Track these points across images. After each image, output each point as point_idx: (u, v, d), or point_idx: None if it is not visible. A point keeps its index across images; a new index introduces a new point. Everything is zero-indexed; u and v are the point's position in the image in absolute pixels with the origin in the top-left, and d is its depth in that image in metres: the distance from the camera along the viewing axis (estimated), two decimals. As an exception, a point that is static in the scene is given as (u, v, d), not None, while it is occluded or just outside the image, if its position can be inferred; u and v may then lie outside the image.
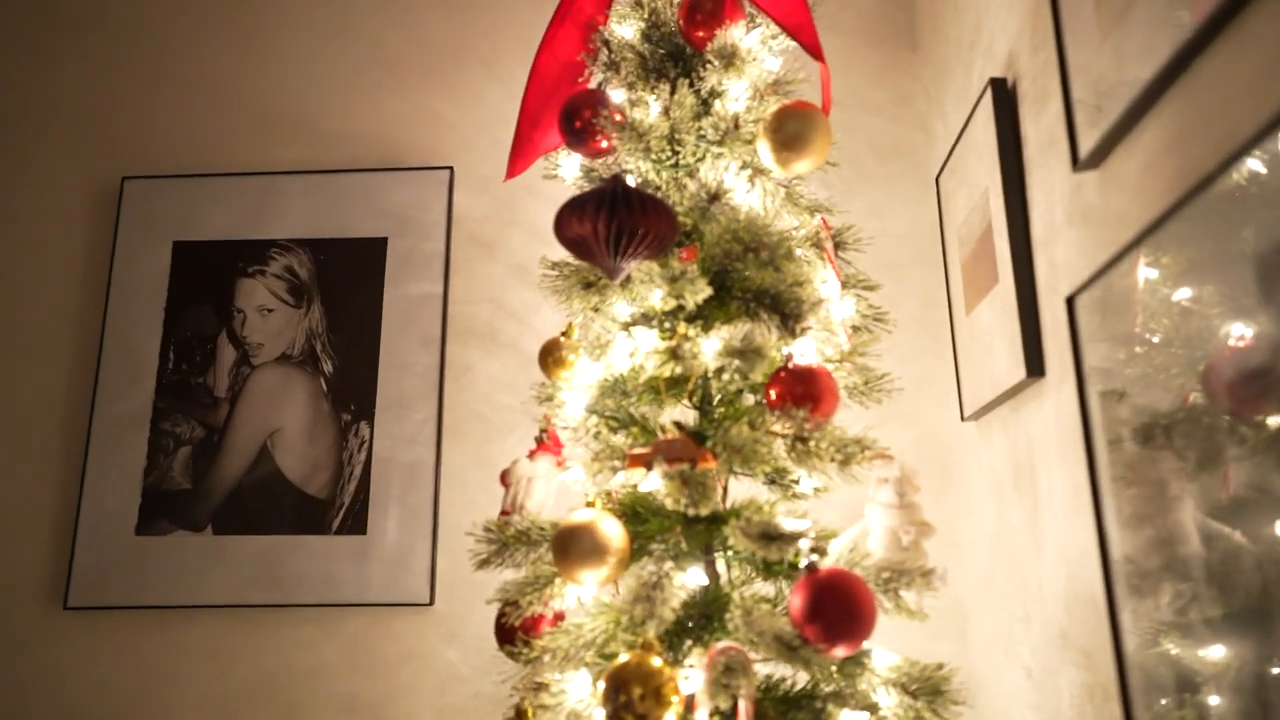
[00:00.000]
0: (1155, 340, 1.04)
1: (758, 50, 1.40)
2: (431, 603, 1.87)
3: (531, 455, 1.42)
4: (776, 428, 1.22)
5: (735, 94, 1.38)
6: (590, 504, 1.22)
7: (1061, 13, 1.17)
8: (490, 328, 2.04)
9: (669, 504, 1.18)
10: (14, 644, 1.94)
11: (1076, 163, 1.12)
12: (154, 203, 2.12)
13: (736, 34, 1.38)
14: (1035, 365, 1.33)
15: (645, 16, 1.46)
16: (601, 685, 1.08)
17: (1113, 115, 1.02)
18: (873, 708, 1.21)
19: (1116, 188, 1.07)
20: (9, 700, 1.92)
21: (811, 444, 1.21)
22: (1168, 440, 1.03)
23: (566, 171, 1.48)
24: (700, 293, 1.24)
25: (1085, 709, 1.21)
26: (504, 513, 1.40)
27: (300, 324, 2.03)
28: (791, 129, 1.28)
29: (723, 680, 1.09)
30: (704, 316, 1.31)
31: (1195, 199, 0.87)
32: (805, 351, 1.26)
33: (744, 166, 1.36)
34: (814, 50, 1.34)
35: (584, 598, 1.26)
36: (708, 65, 1.38)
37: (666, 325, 1.31)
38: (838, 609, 1.08)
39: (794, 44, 1.38)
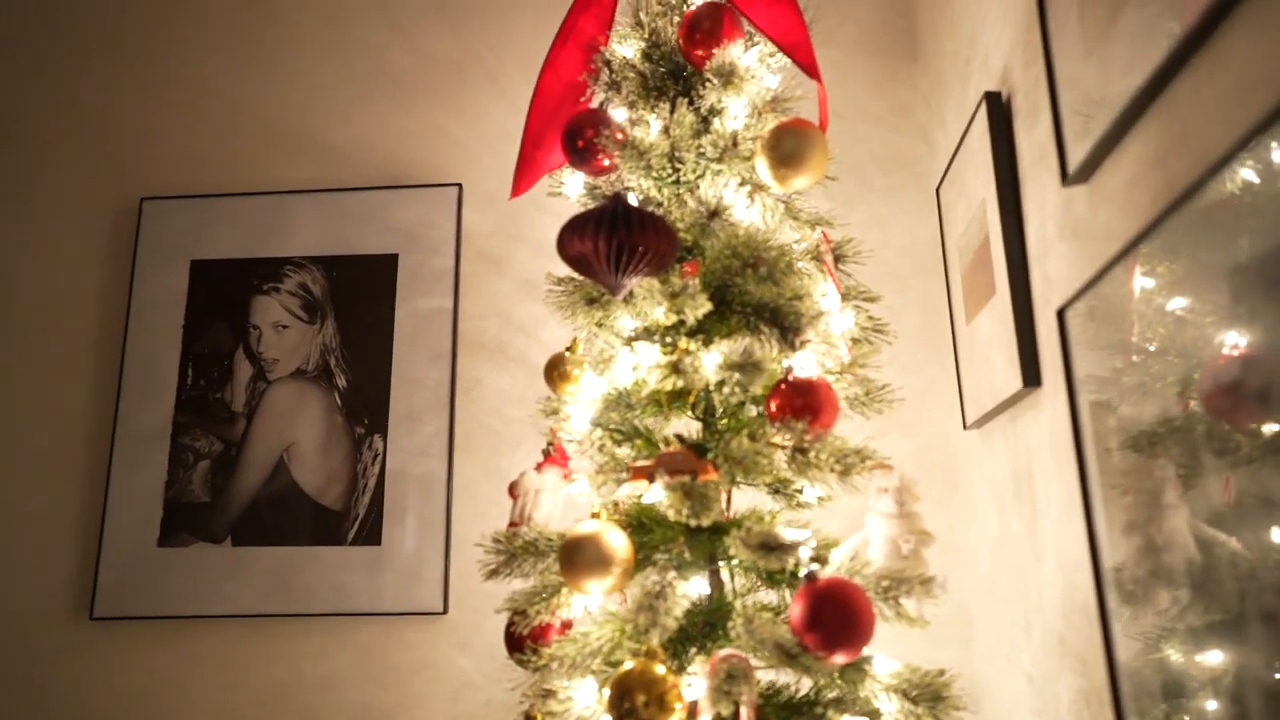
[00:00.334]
0: (1150, 349, 1.06)
1: (756, 68, 1.43)
2: (444, 612, 1.90)
3: (539, 468, 1.45)
4: (777, 439, 1.24)
5: (734, 112, 1.41)
6: (595, 515, 1.24)
7: (1050, 28, 1.19)
8: (499, 342, 2.08)
9: (671, 515, 1.21)
10: (44, 653, 2.00)
11: (1066, 177, 1.15)
12: (171, 222, 2.18)
13: (735, 52, 1.41)
14: (1031, 375, 1.35)
15: (646, 36, 1.49)
16: (607, 692, 1.11)
17: (1098, 131, 1.04)
18: (874, 714, 1.23)
19: (1104, 202, 1.09)
20: (38, 708, 1.97)
21: (811, 455, 1.23)
22: (1160, 448, 1.05)
23: (570, 189, 1.52)
24: (700, 308, 1.27)
25: (1083, 714, 1.23)
26: (512, 524, 1.43)
27: (314, 339, 2.08)
28: (788, 146, 1.30)
29: (724, 687, 1.11)
30: (705, 331, 1.34)
31: (1177, 212, 0.89)
32: (805, 364, 1.29)
33: (743, 183, 1.39)
34: (810, 69, 1.37)
35: (590, 607, 1.29)
36: (707, 84, 1.41)
37: (668, 340, 1.34)
38: (836, 617, 1.09)
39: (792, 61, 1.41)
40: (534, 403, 1.95)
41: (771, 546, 1.16)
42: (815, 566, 1.16)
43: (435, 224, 2.12)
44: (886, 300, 1.93)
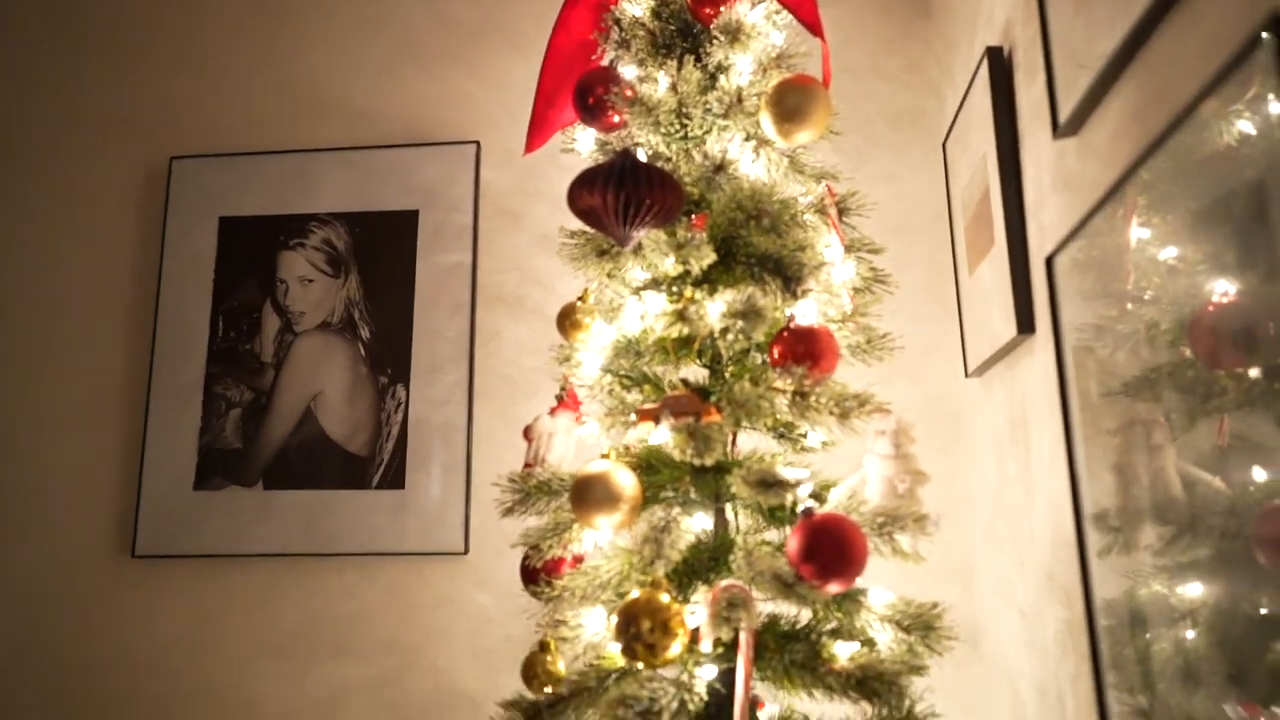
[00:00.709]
0: (1145, 298, 1.10)
1: (762, 25, 1.46)
2: (465, 552, 2.00)
3: (552, 412, 1.52)
4: (778, 384, 1.30)
5: (740, 68, 1.45)
6: (605, 456, 1.31)
7: (1045, -17, 1.22)
8: (517, 295, 2.15)
9: (677, 455, 1.28)
10: (91, 589, 2.12)
11: (1057, 130, 1.19)
12: (201, 181, 2.25)
13: (742, 10, 1.44)
14: (1026, 323, 1.40)
15: (655, -6, 1.53)
16: (615, 620, 1.18)
17: (1085, 85, 1.08)
18: (870, 643, 1.30)
19: (1091, 154, 1.13)
20: (87, 638, 2.09)
21: (811, 399, 1.28)
22: (1150, 392, 1.09)
23: (582, 145, 1.57)
24: (705, 258, 1.33)
25: (1066, 642, 1.30)
26: (527, 465, 1.50)
27: (339, 293, 2.16)
28: (791, 102, 1.34)
29: (725, 614, 1.18)
30: (711, 281, 1.39)
31: (1153, 161, 0.93)
32: (807, 312, 1.34)
33: (748, 138, 1.44)
34: (813, 27, 1.41)
35: (600, 542, 1.36)
36: (714, 41, 1.45)
37: (674, 289, 1.40)
38: (831, 549, 1.15)
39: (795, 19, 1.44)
40: (550, 353, 2.02)
41: (769, 483, 1.22)
42: (812, 503, 1.22)
43: (455, 181, 2.18)
44: (895, 253, 1.98)
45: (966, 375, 1.79)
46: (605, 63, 1.53)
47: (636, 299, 1.42)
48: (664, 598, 1.17)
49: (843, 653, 1.25)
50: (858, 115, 2.11)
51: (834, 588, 1.17)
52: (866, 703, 1.23)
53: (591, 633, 1.31)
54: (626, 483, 1.28)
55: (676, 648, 1.14)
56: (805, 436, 1.48)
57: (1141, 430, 1.12)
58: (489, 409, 2.09)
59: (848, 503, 1.28)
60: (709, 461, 1.26)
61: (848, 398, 1.29)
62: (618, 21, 1.54)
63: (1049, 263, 1.22)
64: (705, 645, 1.19)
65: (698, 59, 1.48)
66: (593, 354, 1.46)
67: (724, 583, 1.20)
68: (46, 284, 2.30)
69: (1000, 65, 1.49)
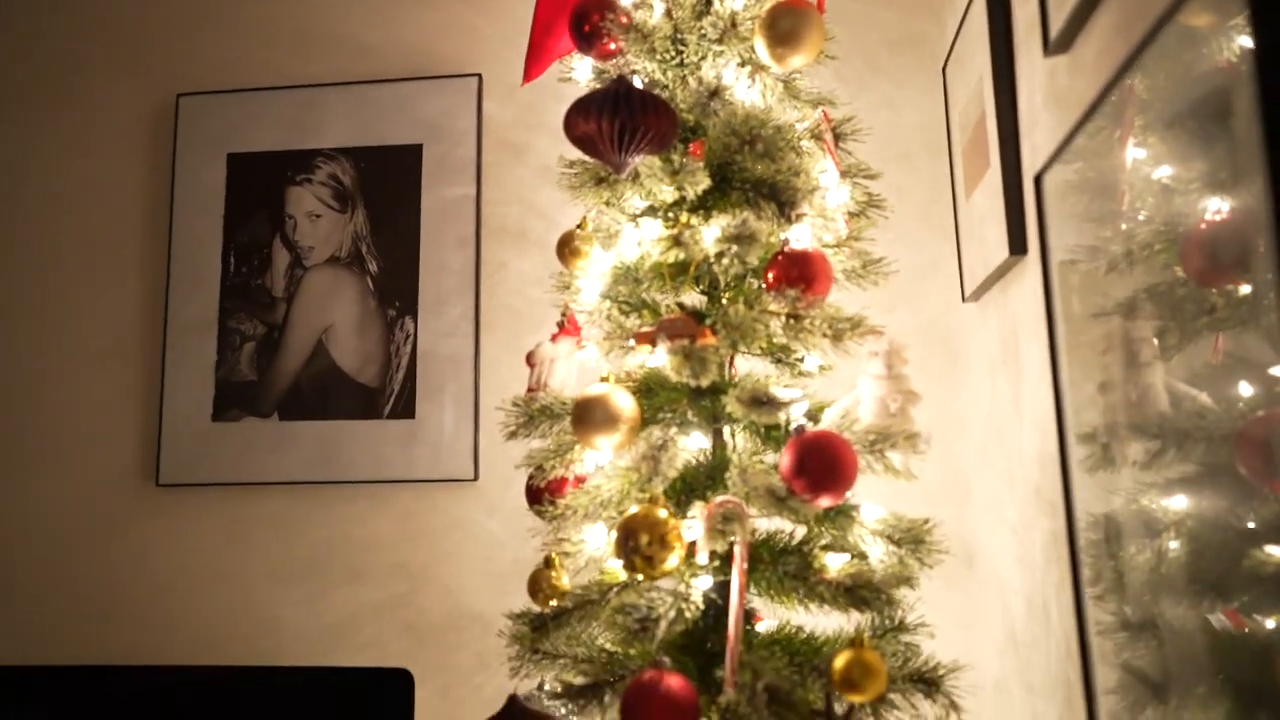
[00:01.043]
0: (1140, 218, 1.11)
1: (756, -52, 1.46)
2: (475, 479, 2.06)
3: (554, 338, 1.56)
4: (773, 306, 1.33)
5: (735, -8, 1.45)
6: (605, 379, 1.35)
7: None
8: (521, 227, 2.17)
9: (673, 377, 1.31)
10: (119, 516, 2.21)
11: (1048, 47, 1.19)
12: (208, 117, 2.27)
13: (737, -67, 1.44)
14: (1018, 244, 1.41)
15: (650, -82, 1.52)
16: (615, 535, 1.23)
17: (1073, 0, 1.09)
18: (862, 556, 1.35)
19: (1081, 71, 1.14)
20: (116, 564, 2.18)
21: (805, 321, 1.31)
22: (1140, 311, 1.11)
23: (580, 74, 1.58)
24: (699, 184, 1.35)
25: (1051, 553, 1.35)
26: (530, 390, 1.54)
27: (346, 228, 2.19)
28: (785, 25, 1.34)
29: (720, 527, 1.23)
30: (706, 207, 1.41)
31: (1127, 78, 0.94)
32: (801, 237, 1.36)
33: (743, 63, 1.44)
34: (806, -53, 1.40)
35: (601, 463, 1.41)
36: (709, -36, 1.45)
37: (671, 216, 1.42)
38: (821, 464, 1.19)
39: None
40: (553, 283, 2.05)
41: (762, 401, 1.26)
42: (804, 421, 1.26)
43: (458, 114, 2.19)
44: (895, 180, 1.99)
45: (963, 300, 1.82)
46: (601, -11, 1.52)
47: (634, 226, 1.44)
48: (662, 513, 1.21)
49: (834, 564, 1.30)
50: (859, 41, 2.10)
51: (825, 501, 1.21)
52: (857, 611, 1.28)
53: (593, 548, 1.36)
54: (625, 405, 1.32)
55: (674, 560, 1.18)
56: (801, 360, 1.50)
57: (1131, 348, 1.14)
58: (495, 339, 2.13)
59: (841, 422, 1.31)
60: (705, 383, 1.30)
61: (841, 320, 1.31)
62: (613, -53, 1.53)
63: (1037, 181, 1.24)
64: (702, 558, 1.23)
65: (692, -17, 1.48)
66: (592, 280, 1.49)
67: (719, 498, 1.24)
68: (60, 224, 2.35)
69: (997, -17, 1.49)
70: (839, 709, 1.14)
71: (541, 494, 1.48)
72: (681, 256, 1.36)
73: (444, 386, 2.10)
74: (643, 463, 1.28)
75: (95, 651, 2.14)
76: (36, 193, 2.37)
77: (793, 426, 1.25)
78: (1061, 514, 1.27)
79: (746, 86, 1.45)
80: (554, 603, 1.38)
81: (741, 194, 1.39)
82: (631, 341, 1.40)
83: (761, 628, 1.40)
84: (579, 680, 1.32)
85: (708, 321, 1.34)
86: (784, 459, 1.22)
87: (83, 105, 2.38)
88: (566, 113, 1.26)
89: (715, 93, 1.43)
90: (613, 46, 1.47)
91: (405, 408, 2.10)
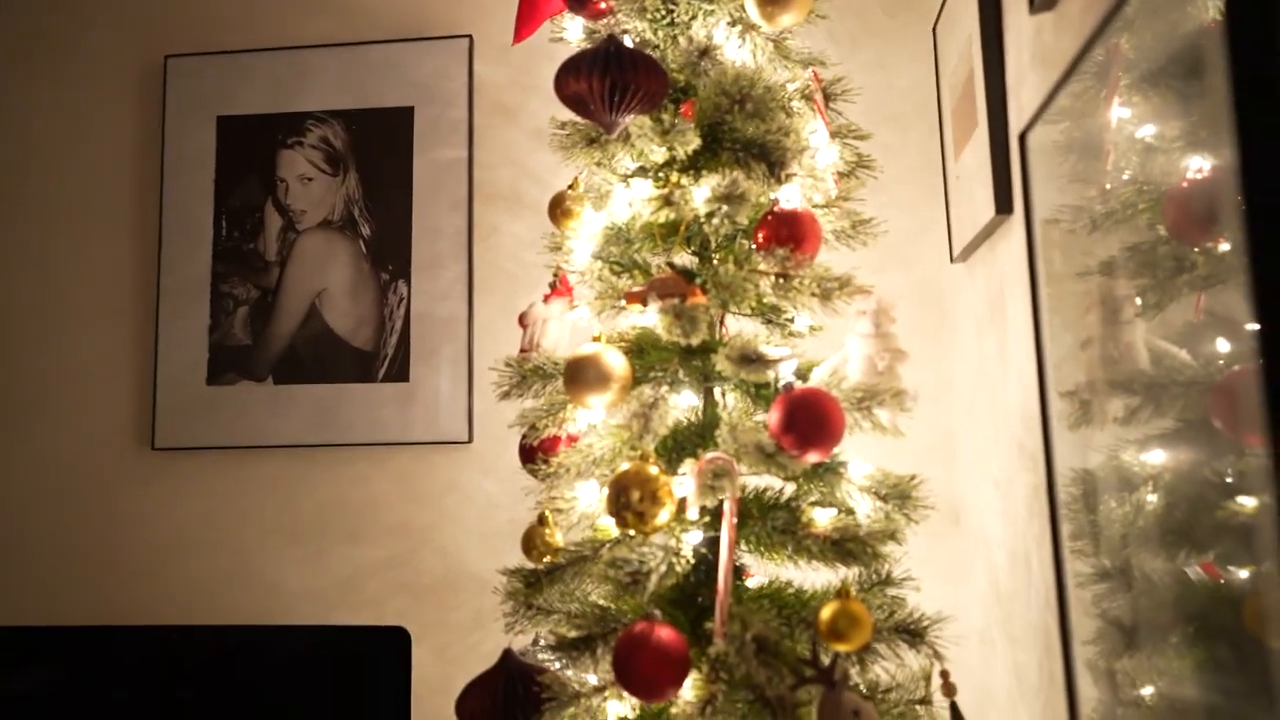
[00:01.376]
0: (1124, 177, 1.12)
1: (748, -96, 1.45)
2: (470, 441, 2.08)
3: (546, 299, 1.57)
4: (762, 266, 1.34)
5: (725, -51, 1.45)
6: (597, 339, 1.37)
7: None
8: (514, 190, 2.17)
9: (664, 336, 1.33)
10: (115, 480, 2.23)
11: (1033, 4, 1.20)
12: (197, 79, 2.26)
13: (727, -111, 1.43)
14: (1004, 203, 1.43)
15: (641, -125, 1.51)
16: (606, 491, 1.25)
17: (1060, -43, 1.09)
18: (850, 511, 1.37)
19: (1066, 28, 1.14)
20: (113, 527, 2.21)
21: (794, 281, 1.33)
22: (1114, 270, 1.13)
23: (571, 34, 1.57)
24: (689, 144, 1.35)
25: (1033, 506, 1.37)
26: (523, 350, 1.56)
27: (338, 191, 2.19)
28: (774, -17, 1.35)
29: (710, 483, 1.25)
30: (697, 167, 1.42)
31: (1106, 38, 0.95)
32: (790, 197, 1.37)
33: (734, 23, 1.44)
34: (798, -95, 1.39)
35: (593, 421, 1.43)
36: (700, -78, 1.44)
37: (661, 176, 1.43)
38: (809, 420, 1.21)
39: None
40: (545, 246, 2.06)
41: (752, 359, 1.27)
42: (792, 379, 1.28)
43: (449, 76, 2.18)
44: (886, 141, 1.99)
45: (952, 260, 1.83)
46: (591, -53, 1.52)
47: (625, 186, 1.45)
48: (653, 470, 1.23)
49: (822, 519, 1.32)
50: (852, 1, 2.09)
51: (812, 457, 1.23)
52: (844, 565, 1.31)
53: (586, 505, 1.39)
54: (617, 364, 1.33)
55: (665, 515, 1.20)
56: (791, 321, 1.52)
57: (1112, 306, 1.16)
58: (489, 302, 2.14)
59: (829, 379, 1.33)
60: (695, 342, 1.31)
61: (829, 279, 1.33)
62: (603, -96, 1.52)
63: (1022, 139, 1.24)
64: (692, 513, 1.26)
65: (683, -59, 1.47)
66: (583, 241, 1.50)
67: (710, 455, 1.26)
68: (50, 185, 2.34)
69: (987, -59, 1.48)
70: (825, 659, 1.17)
71: (535, 453, 1.50)
72: (672, 216, 1.37)
73: (438, 349, 2.11)
74: (634, 421, 1.30)
75: (92, 613, 2.17)
76: (25, 155, 2.36)
77: (781, 384, 1.27)
78: (1043, 469, 1.30)
79: (737, 46, 1.45)
80: (548, 559, 1.41)
81: (731, 154, 1.39)
82: (623, 301, 1.41)
83: (751, 584, 1.42)
84: (572, 634, 1.35)
85: (698, 281, 1.36)
86: (773, 416, 1.24)
87: (69, 66, 2.37)
88: (557, 72, 1.26)
89: (705, 52, 1.43)
90: (603, 5, 1.47)
91: (400, 371, 2.11)
